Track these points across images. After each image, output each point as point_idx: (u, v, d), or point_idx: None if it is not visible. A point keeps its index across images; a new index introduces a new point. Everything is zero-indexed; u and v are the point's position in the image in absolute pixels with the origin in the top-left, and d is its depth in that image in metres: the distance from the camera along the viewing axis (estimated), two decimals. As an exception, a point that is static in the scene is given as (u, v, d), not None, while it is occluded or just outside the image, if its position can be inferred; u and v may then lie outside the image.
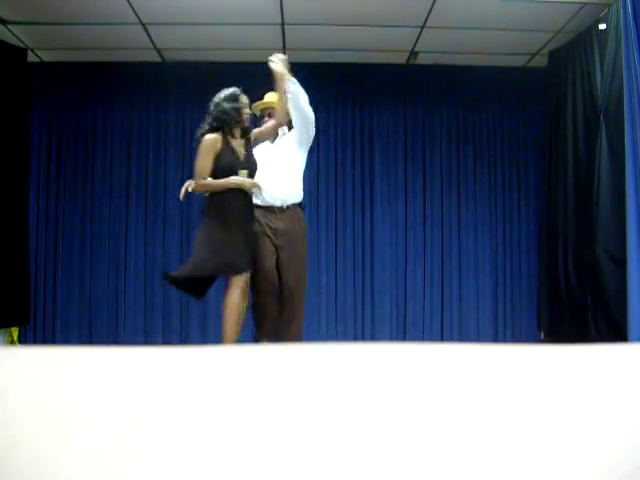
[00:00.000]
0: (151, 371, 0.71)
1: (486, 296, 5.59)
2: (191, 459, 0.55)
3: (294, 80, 3.40)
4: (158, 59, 5.47)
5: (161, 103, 5.54)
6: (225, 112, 3.38)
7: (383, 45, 5.18)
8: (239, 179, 3.38)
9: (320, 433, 0.59)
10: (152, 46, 5.20)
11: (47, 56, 5.40)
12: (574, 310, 4.68)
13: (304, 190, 3.68)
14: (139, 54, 5.33)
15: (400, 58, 5.49)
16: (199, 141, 3.40)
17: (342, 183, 5.62)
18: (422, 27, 4.86)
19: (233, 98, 3.43)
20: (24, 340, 5.26)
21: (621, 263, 3.98)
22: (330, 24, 4.78)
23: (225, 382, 0.67)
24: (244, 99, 3.48)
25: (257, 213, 3.51)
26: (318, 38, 5.03)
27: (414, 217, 5.62)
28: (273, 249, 3.47)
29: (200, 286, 3.46)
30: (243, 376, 0.69)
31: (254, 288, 3.46)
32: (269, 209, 3.52)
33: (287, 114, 3.53)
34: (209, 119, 3.42)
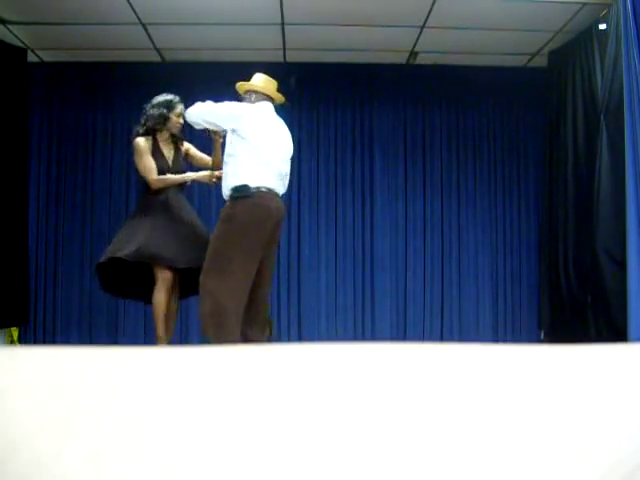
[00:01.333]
0: (151, 371, 0.71)
1: (486, 296, 5.59)
2: (191, 459, 0.55)
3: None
4: (158, 59, 5.47)
5: (161, 103, 5.53)
6: (153, 117, 3.56)
7: (383, 45, 5.18)
8: (199, 173, 3.60)
9: (320, 433, 0.59)
10: (152, 46, 5.20)
11: (47, 56, 5.40)
12: (574, 310, 4.68)
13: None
14: (139, 54, 5.33)
15: (400, 58, 5.48)
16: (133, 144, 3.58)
17: (342, 183, 5.62)
18: (422, 27, 4.86)
19: (165, 104, 3.58)
20: (24, 340, 5.25)
21: (621, 263, 3.98)
22: (330, 24, 4.78)
23: (225, 382, 0.67)
24: (178, 108, 3.59)
25: None
26: (318, 38, 5.03)
27: (414, 217, 5.61)
28: None
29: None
30: (243, 376, 0.69)
31: None
32: None
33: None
34: (142, 122, 3.61)
